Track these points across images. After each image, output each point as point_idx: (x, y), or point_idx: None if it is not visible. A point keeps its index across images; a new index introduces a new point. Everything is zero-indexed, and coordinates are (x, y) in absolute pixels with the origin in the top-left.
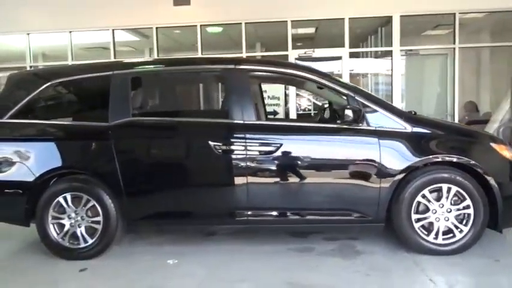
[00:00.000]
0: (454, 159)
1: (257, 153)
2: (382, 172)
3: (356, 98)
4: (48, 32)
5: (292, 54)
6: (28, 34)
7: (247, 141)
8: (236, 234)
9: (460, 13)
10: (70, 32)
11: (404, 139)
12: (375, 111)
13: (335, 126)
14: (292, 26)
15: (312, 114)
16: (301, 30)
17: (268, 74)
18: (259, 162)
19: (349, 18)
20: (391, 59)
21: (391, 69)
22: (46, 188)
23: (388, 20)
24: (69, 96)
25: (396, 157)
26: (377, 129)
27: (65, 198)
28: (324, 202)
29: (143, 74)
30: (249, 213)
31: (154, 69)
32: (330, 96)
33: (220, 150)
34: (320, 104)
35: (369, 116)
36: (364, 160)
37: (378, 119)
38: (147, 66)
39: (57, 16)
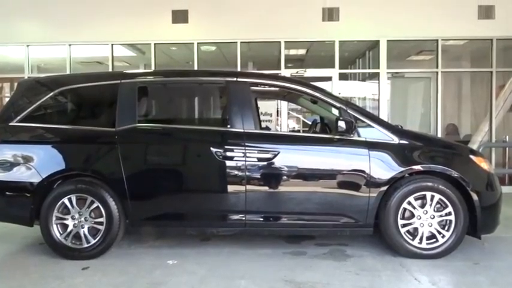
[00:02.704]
0: (437, 170)
1: (256, 160)
2: (372, 180)
3: (348, 111)
4: (47, 45)
5: (285, 74)
6: (28, 46)
7: (247, 148)
8: (233, 238)
9: (442, 39)
10: (69, 45)
11: (391, 150)
12: (365, 123)
13: (329, 136)
14: (285, 47)
15: (301, 132)
16: (292, 52)
17: (266, 87)
18: (257, 169)
19: (339, 41)
20: (378, 80)
21: (378, 90)
22: (51, 189)
23: (374, 45)
24: (77, 102)
25: (384, 167)
26: (367, 140)
27: (70, 200)
28: (319, 208)
29: (149, 83)
30: (247, 217)
31: (160, 79)
32: (323, 112)
33: (221, 157)
34: (309, 123)
35: (359, 127)
36: (355, 169)
37: (368, 130)
38: (153, 77)
39: (57, 29)
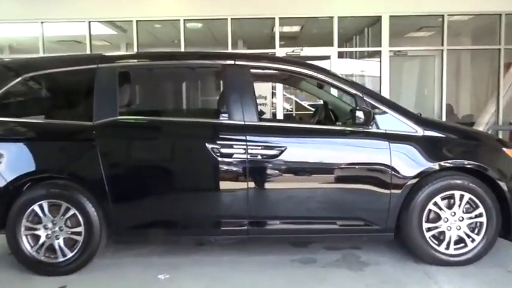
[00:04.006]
0: (473, 166)
1: (259, 157)
2: (393, 178)
3: (365, 98)
4: (16, 22)
5: (280, 53)
6: None
7: (249, 143)
8: (234, 244)
9: (448, 15)
10: (42, 22)
11: (416, 143)
12: (385, 112)
13: (343, 128)
14: (280, 24)
15: (294, 115)
16: (285, 29)
17: (270, 70)
18: (261, 167)
19: (338, 17)
20: (380, 59)
21: (380, 70)
22: (19, 194)
23: (373, 21)
24: (47, 91)
25: (408, 163)
26: (387, 132)
27: (41, 207)
28: (331, 210)
29: (132, 68)
30: (250, 222)
31: (145, 63)
32: (326, 96)
33: (218, 154)
34: (302, 103)
35: (378, 118)
36: (374, 167)
37: (388, 121)
38: (136, 60)
39: (27, 4)
